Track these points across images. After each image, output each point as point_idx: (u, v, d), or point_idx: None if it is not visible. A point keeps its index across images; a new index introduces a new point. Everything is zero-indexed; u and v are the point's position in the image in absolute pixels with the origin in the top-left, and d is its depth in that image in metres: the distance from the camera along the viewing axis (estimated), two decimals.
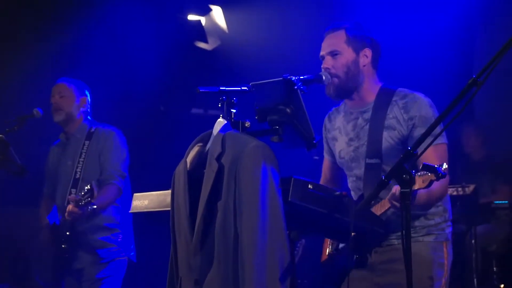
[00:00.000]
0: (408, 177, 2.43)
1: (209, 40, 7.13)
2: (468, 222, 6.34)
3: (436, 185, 3.10)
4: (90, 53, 6.50)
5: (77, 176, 4.98)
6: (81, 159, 5.01)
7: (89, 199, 4.67)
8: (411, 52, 6.24)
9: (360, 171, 3.41)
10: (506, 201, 6.40)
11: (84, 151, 5.03)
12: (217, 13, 7.09)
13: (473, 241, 6.23)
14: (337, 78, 3.36)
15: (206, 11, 7.09)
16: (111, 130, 5.11)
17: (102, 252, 4.91)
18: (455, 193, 6.19)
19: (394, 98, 3.37)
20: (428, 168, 2.60)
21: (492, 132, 6.89)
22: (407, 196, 2.43)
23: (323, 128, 3.67)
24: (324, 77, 3.27)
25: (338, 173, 3.63)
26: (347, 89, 3.40)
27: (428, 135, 2.50)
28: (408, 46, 6.17)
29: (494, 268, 6.37)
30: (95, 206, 4.72)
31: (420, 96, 3.35)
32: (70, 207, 4.69)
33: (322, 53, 3.43)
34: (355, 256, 3.23)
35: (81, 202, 4.65)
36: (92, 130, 5.09)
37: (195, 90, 2.88)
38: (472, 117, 7.09)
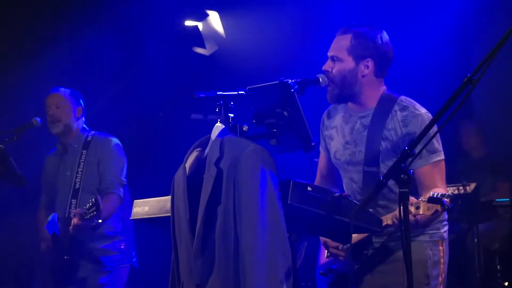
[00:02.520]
0: (406, 177, 2.43)
1: (207, 45, 7.14)
2: (469, 221, 6.34)
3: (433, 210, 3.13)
4: (87, 60, 6.51)
5: (77, 186, 4.95)
6: (80, 169, 4.98)
7: (95, 212, 4.64)
8: (407, 53, 6.23)
9: (357, 175, 3.41)
10: (507, 199, 6.40)
11: (82, 160, 5.00)
12: (214, 19, 7.10)
13: (475, 239, 6.23)
14: (333, 84, 3.36)
15: (203, 17, 7.10)
16: (108, 138, 5.07)
17: (105, 260, 4.90)
18: (456, 191, 6.19)
19: (394, 108, 3.33)
20: (434, 200, 2.67)
21: (491, 130, 6.90)
22: (406, 196, 2.43)
23: (321, 123, 3.64)
24: (321, 80, 3.26)
25: (335, 170, 3.60)
26: (344, 96, 3.39)
27: (424, 135, 2.51)
28: (404, 47, 6.16)
29: (498, 266, 6.37)
30: (100, 220, 4.70)
31: (420, 111, 3.31)
32: (75, 220, 4.66)
33: (328, 53, 3.42)
34: (356, 266, 3.25)
35: (86, 216, 4.63)
36: (89, 138, 5.06)
37: (193, 95, 2.90)
38: (471, 115, 7.10)
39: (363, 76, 3.35)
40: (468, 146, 6.87)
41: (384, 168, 3.31)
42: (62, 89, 5.12)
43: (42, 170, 5.24)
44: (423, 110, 3.32)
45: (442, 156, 3.30)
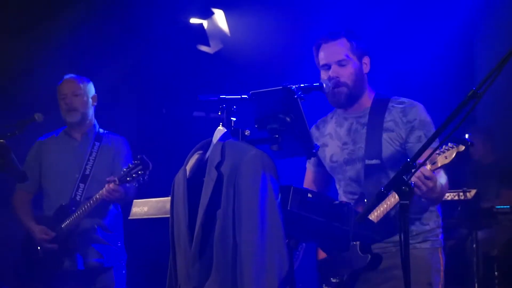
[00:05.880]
0: (407, 188, 2.42)
1: (211, 43, 7.11)
2: (469, 227, 6.31)
3: (446, 180, 3.20)
4: (91, 56, 6.48)
5: (87, 172, 4.92)
6: (92, 157, 4.95)
7: (141, 172, 4.53)
8: (410, 59, 6.22)
9: (355, 172, 3.45)
10: (508, 206, 6.38)
11: (95, 150, 4.98)
12: (219, 17, 7.08)
13: (474, 245, 6.21)
14: (346, 87, 3.42)
15: (208, 15, 7.08)
16: (123, 138, 5.10)
17: (105, 255, 4.87)
18: (456, 197, 6.17)
19: (390, 104, 3.45)
20: (456, 140, 2.63)
21: (499, 137, 6.87)
22: (406, 208, 2.41)
23: None
24: (325, 85, 3.28)
25: (323, 183, 3.68)
26: (355, 96, 3.47)
27: (427, 147, 2.50)
28: (407, 52, 6.16)
29: (496, 273, 6.35)
30: (146, 177, 4.57)
31: (417, 103, 3.44)
32: (111, 185, 4.61)
33: (326, 61, 3.45)
34: (369, 256, 3.25)
35: (133, 174, 4.54)
36: (101, 133, 5.06)
37: (197, 93, 2.89)
38: (474, 121, 7.07)
39: (365, 74, 3.49)
40: (477, 154, 6.83)
41: (386, 160, 3.34)
42: (77, 76, 5.08)
43: (30, 154, 5.12)
44: (418, 102, 3.45)
45: None
